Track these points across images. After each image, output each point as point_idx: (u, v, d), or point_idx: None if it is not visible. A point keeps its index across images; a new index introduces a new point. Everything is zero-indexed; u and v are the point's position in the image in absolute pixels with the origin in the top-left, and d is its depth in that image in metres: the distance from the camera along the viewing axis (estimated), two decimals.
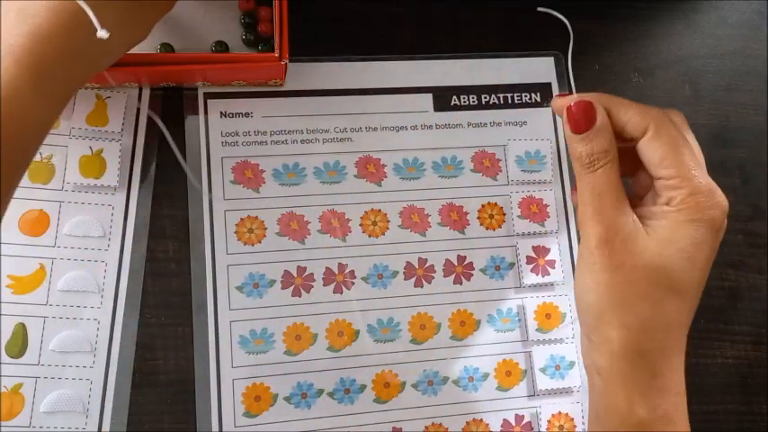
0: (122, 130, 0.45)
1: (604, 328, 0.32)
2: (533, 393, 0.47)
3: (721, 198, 0.32)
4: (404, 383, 0.46)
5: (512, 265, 0.49)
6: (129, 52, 0.37)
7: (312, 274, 0.46)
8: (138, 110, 0.46)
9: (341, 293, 0.46)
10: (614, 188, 0.33)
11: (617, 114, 0.34)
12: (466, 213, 0.49)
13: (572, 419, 0.47)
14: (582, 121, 0.33)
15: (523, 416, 0.47)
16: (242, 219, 0.46)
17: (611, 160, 0.33)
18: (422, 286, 0.47)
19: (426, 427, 0.45)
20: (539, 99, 0.52)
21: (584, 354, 0.36)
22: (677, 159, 0.32)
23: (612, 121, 0.34)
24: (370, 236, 0.47)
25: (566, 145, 0.52)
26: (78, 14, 0.29)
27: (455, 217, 0.48)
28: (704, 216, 0.31)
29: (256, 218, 0.46)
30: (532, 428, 0.47)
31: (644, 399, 0.32)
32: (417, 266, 0.47)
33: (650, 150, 0.32)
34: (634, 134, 0.33)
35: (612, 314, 0.32)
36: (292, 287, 0.46)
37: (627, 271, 0.31)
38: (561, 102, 0.35)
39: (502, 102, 0.51)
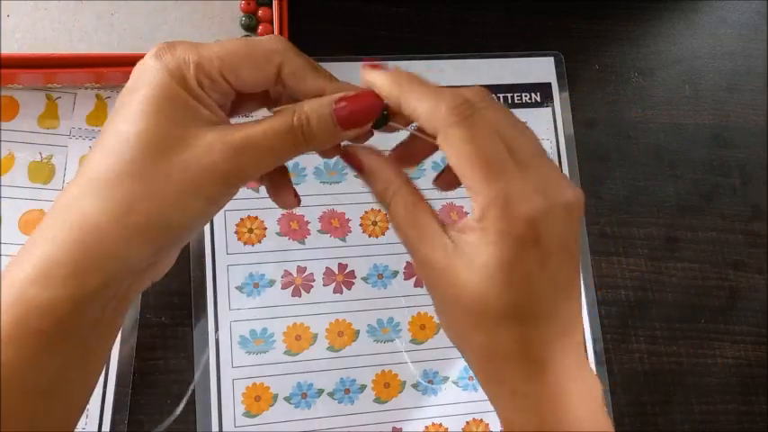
0: None
1: (460, 347, 0.30)
2: None
3: (526, 206, 0.25)
4: (404, 383, 0.46)
5: None
6: (129, 52, 0.37)
7: (312, 273, 0.46)
8: None
9: (341, 293, 0.46)
10: (414, 222, 0.29)
11: (406, 109, 0.28)
12: (466, 213, 0.49)
13: None
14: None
15: None
16: (242, 219, 0.46)
17: (397, 191, 0.29)
18: (422, 286, 0.47)
19: (426, 427, 0.45)
20: (539, 99, 0.52)
21: None
22: (466, 166, 0.26)
23: (407, 112, 0.28)
24: (370, 236, 0.47)
25: (566, 145, 0.52)
26: None
27: (455, 217, 0.48)
28: (503, 233, 0.25)
29: (256, 218, 0.46)
30: None
31: (513, 414, 0.28)
32: None
33: (447, 157, 0.27)
34: (430, 133, 0.28)
35: (457, 342, 0.29)
36: (292, 287, 0.46)
37: (452, 305, 0.28)
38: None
39: (502, 102, 0.51)
